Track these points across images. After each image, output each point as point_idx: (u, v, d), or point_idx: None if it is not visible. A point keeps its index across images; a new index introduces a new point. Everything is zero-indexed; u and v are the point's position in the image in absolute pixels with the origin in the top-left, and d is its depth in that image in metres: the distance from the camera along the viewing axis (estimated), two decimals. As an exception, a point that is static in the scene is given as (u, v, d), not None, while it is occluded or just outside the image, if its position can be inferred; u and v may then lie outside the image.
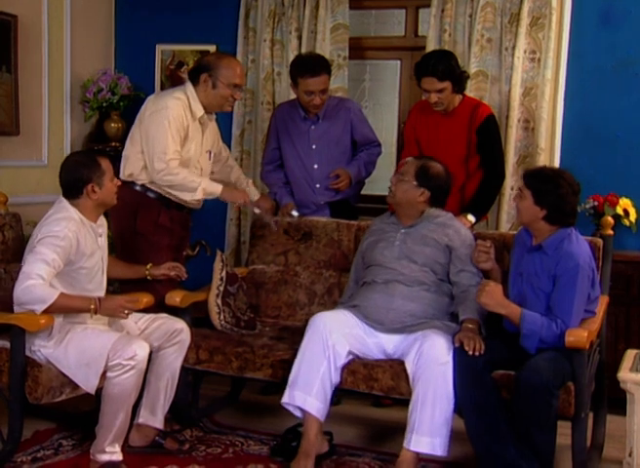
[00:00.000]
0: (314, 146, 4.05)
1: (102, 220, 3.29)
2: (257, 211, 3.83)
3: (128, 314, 3.04)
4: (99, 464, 3.06)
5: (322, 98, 3.92)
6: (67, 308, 2.99)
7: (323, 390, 3.11)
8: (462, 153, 3.81)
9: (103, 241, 3.24)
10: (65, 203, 3.14)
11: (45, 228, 3.03)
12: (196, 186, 3.56)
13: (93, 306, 2.98)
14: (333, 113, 4.06)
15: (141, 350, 3.00)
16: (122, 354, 2.95)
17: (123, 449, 3.13)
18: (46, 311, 2.91)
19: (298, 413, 3.16)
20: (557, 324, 2.98)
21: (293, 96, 4.51)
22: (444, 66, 3.69)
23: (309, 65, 3.90)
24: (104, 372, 2.99)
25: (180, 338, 3.30)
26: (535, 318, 3.00)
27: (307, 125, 4.05)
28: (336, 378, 3.15)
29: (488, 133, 3.80)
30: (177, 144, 3.52)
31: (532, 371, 2.88)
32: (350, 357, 3.21)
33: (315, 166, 4.06)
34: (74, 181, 3.11)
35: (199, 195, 3.60)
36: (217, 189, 3.64)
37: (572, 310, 3.00)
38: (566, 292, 3.02)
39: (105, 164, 3.17)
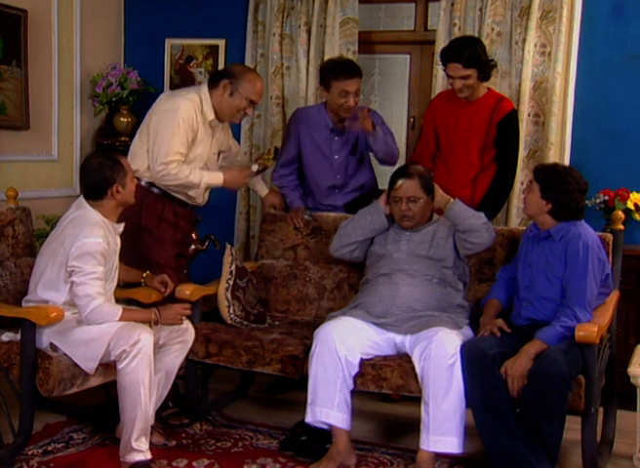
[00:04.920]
0: (336, 157, 4.00)
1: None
2: (255, 168, 3.78)
3: (183, 321, 3.24)
4: (128, 465, 3.02)
5: (355, 100, 3.85)
6: (131, 321, 3.10)
7: (344, 401, 3.12)
8: (479, 144, 3.80)
9: (118, 239, 3.26)
10: (87, 209, 3.14)
11: (81, 244, 3.03)
12: (197, 183, 3.59)
13: (154, 316, 3.13)
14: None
15: (145, 335, 3.00)
16: (126, 341, 2.97)
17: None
18: None
19: (325, 426, 3.16)
20: (570, 315, 2.98)
21: (302, 90, 4.51)
22: (470, 53, 3.67)
23: (344, 67, 3.86)
24: (114, 365, 3.00)
25: (183, 338, 3.31)
26: (552, 332, 2.99)
27: (332, 135, 3.99)
28: (351, 386, 3.16)
29: (508, 128, 3.78)
30: (182, 146, 3.53)
31: (549, 363, 2.88)
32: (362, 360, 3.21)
33: (338, 176, 4.03)
34: (99, 183, 3.12)
35: (202, 190, 3.67)
36: (218, 182, 3.66)
37: (585, 294, 3.01)
38: (577, 275, 3.04)
39: (126, 163, 3.21)
